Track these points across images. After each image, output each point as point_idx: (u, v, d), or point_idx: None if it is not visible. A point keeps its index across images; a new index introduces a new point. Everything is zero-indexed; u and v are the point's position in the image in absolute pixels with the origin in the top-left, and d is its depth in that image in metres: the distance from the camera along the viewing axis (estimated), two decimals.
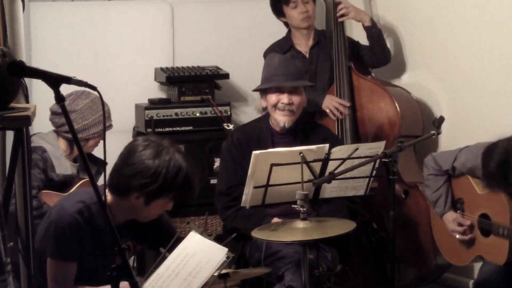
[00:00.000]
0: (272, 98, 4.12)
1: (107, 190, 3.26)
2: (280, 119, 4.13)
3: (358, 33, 5.08)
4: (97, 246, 3.26)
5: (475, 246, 4.04)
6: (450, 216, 4.07)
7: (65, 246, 3.31)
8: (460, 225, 4.02)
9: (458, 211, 4.08)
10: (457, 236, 4.05)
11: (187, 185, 3.34)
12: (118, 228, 3.35)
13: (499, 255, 3.89)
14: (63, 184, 4.17)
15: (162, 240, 3.49)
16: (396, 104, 4.76)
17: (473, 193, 4.03)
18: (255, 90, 4.27)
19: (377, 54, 4.94)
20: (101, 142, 4.28)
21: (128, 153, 3.35)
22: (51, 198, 4.00)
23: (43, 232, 3.39)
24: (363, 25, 4.96)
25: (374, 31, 4.92)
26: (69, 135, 4.16)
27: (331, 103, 4.76)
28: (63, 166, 4.18)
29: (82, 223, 3.27)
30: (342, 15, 4.92)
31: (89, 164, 2.65)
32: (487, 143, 3.77)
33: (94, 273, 3.34)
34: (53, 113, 4.23)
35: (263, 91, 4.17)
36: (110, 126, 4.31)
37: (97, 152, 4.37)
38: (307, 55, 5.01)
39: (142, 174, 3.27)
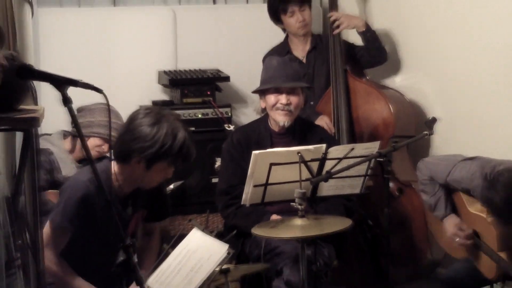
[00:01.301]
0: (271, 98, 4.13)
1: (113, 162, 3.43)
2: (279, 119, 4.13)
3: (354, 36, 5.08)
4: (106, 214, 3.25)
5: (469, 250, 3.97)
6: (452, 221, 3.96)
7: (66, 212, 3.37)
8: (461, 230, 3.92)
9: None
10: (457, 240, 3.92)
11: (183, 150, 3.40)
12: (125, 197, 3.45)
13: (488, 269, 3.84)
14: None
15: (158, 215, 3.74)
16: (390, 106, 4.77)
17: (464, 210, 3.95)
18: (254, 92, 4.28)
19: (374, 55, 4.95)
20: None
21: (130, 121, 3.46)
22: (55, 198, 4.00)
23: (56, 204, 3.50)
24: (357, 31, 4.96)
25: (369, 35, 4.92)
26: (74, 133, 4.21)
27: (321, 122, 4.75)
28: (68, 168, 4.19)
29: (93, 190, 3.32)
30: (337, 27, 4.93)
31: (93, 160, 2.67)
32: (484, 163, 3.72)
33: (101, 240, 3.39)
34: (79, 111, 4.26)
35: (262, 92, 4.18)
36: (105, 137, 4.28)
37: None
38: (304, 60, 5.02)
39: (141, 139, 3.36)
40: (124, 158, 3.43)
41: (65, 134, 4.32)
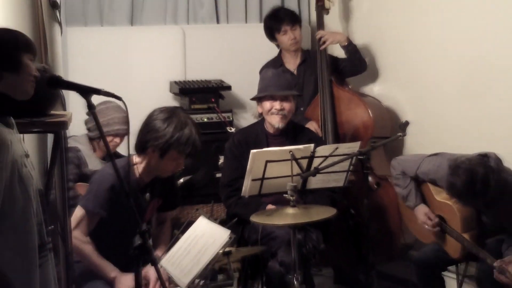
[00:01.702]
0: (267, 105, 4.13)
1: (135, 156, 3.49)
2: (274, 122, 4.14)
3: (338, 49, 5.08)
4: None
5: (436, 235, 4.00)
6: (422, 209, 3.99)
7: (97, 199, 3.40)
8: (429, 218, 3.95)
9: None
10: (426, 227, 3.96)
11: (190, 141, 3.43)
12: (145, 186, 3.47)
13: (453, 250, 3.88)
14: None
15: (170, 205, 3.77)
16: (369, 111, 4.77)
17: (432, 199, 3.99)
18: (253, 99, 4.28)
19: (355, 65, 4.96)
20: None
21: (147, 117, 3.52)
22: (84, 189, 4.01)
23: (86, 193, 3.51)
24: (340, 45, 4.97)
25: (350, 48, 4.93)
26: (91, 134, 4.20)
27: (310, 127, 4.74)
28: (94, 163, 4.20)
29: (117, 181, 3.31)
30: (323, 43, 4.94)
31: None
32: (448, 156, 3.74)
33: (122, 226, 3.34)
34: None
35: (259, 99, 4.18)
36: (126, 131, 4.29)
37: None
38: (295, 72, 5.03)
39: (155, 131, 3.41)
40: (141, 149, 3.48)
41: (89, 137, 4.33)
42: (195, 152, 3.49)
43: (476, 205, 3.63)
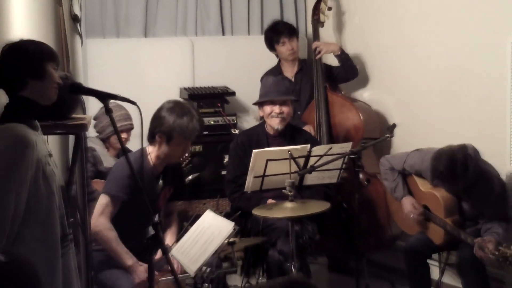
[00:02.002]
0: (267, 109, 4.12)
1: (148, 146, 3.52)
2: (274, 124, 4.12)
3: (332, 58, 5.07)
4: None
5: (420, 224, 4.01)
6: (408, 200, 4.00)
7: (119, 184, 3.40)
8: (415, 208, 3.96)
9: None
10: (412, 216, 3.97)
11: (190, 126, 3.47)
12: (158, 174, 3.52)
13: (437, 237, 3.88)
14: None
15: (178, 194, 3.76)
16: (360, 115, 4.75)
17: (417, 190, 3.99)
18: (255, 104, 4.27)
19: (348, 71, 4.94)
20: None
21: (156, 110, 3.57)
22: (100, 185, 4.00)
23: (107, 181, 3.52)
24: (333, 54, 4.96)
25: (343, 56, 4.92)
26: (101, 135, 4.19)
27: (306, 129, 4.75)
28: (108, 161, 4.19)
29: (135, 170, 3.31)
30: (318, 53, 4.92)
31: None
32: (431, 150, 3.77)
33: (138, 215, 3.37)
34: (95, 119, 4.28)
35: (261, 104, 4.17)
36: (131, 125, 4.30)
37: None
38: (292, 79, 5.02)
39: (160, 119, 3.48)
40: (151, 137, 3.52)
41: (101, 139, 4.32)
42: (197, 137, 3.53)
43: (456, 188, 3.67)
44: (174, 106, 3.52)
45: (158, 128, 3.47)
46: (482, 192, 3.65)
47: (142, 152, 3.32)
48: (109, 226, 3.39)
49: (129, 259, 3.37)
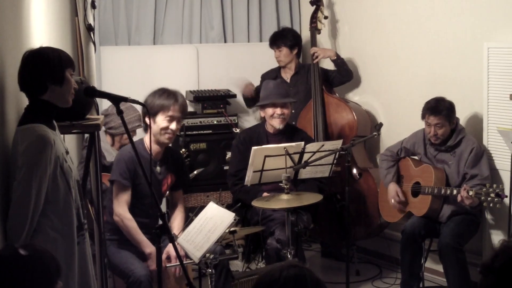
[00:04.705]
0: (269, 110, 4.12)
1: (145, 136, 3.52)
2: (276, 124, 4.11)
3: (328, 63, 5.08)
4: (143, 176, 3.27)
5: (406, 207, 4.07)
6: (393, 187, 4.10)
7: (121, 171, 3.42)
8: (398, 195, 4.05)
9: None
10: (392, 201, 4.07)
11: (169, 102, 3.49)
12: (155, 159, 3.51)
13: (421, 208, 3.96)
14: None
15: (181, 183, 3.70)
16: (354, 114, 4.77)
17: (410, 169, 4.10)
18: (257, 105, 4.27)
19: (343, 75, 4.94)
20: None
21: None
22: (104, 179, 3.97)
23: (112, 171, 3.50)
24: (330, 59, 4.98)
25: (339, 61, 4.92)
26: (111, 131, 4.16)
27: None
28: (111, 155, 4.16)
29: (134, 156, 3.28)
30: (316, 57, 4.93)
31: None
32: (419, 130, 4.07)
33: (146, 203, 3.43)
34: (104, 115, 4.25)
35: (263, 106, 4.17)
36: (140, 126, 4.29)
37: None
38: (288, 81, 5.04)
39: (148, 103, 3.42)
40: (144, 123, 3.55)
41: (105, 131, 4.28)
42: (179, 113, 3.51)
43: (442, 120, 3.90)
44: (158, 91, 3.53)
45: (147, 111, 3.40)
46: (461, 154, 3.90)
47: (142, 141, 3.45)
48: (128, 217, 3.40)
49: (148, 247, 3.39)
